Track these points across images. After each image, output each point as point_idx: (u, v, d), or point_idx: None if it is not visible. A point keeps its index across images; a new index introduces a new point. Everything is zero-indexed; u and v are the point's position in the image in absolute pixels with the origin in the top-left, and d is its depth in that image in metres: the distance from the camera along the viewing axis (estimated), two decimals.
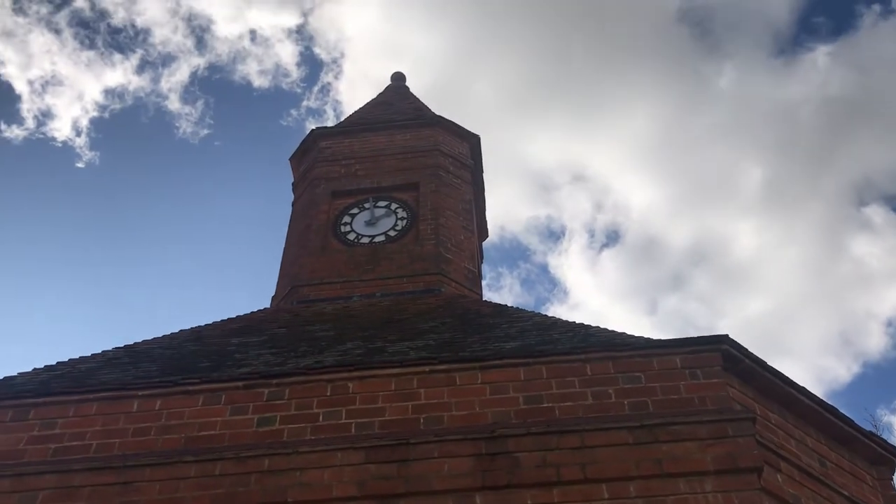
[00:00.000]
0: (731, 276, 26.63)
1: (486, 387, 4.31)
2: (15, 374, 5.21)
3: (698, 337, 4.44)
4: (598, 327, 5.34)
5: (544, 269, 28.24)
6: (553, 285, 28.23)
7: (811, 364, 25.80)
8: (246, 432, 4.25)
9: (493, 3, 27.45)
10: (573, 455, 3.96)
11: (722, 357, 4.36)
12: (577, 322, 5.60)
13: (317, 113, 27.04)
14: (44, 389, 4.62)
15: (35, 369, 5.34)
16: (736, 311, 26.59)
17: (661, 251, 27.87)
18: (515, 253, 27.70)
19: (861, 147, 26.04)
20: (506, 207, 28.28)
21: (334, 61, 29.48)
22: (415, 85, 15.74)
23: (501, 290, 26.35)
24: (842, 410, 4.83)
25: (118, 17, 23.79)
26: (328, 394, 4.37)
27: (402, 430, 4.17)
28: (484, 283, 8.80)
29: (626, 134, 27.55)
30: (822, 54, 26.94)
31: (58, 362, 5.50)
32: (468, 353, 4.77)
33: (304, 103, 27.29)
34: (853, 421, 4.85)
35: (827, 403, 4.78)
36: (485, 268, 9.87)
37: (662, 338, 4.63)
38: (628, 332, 5.15)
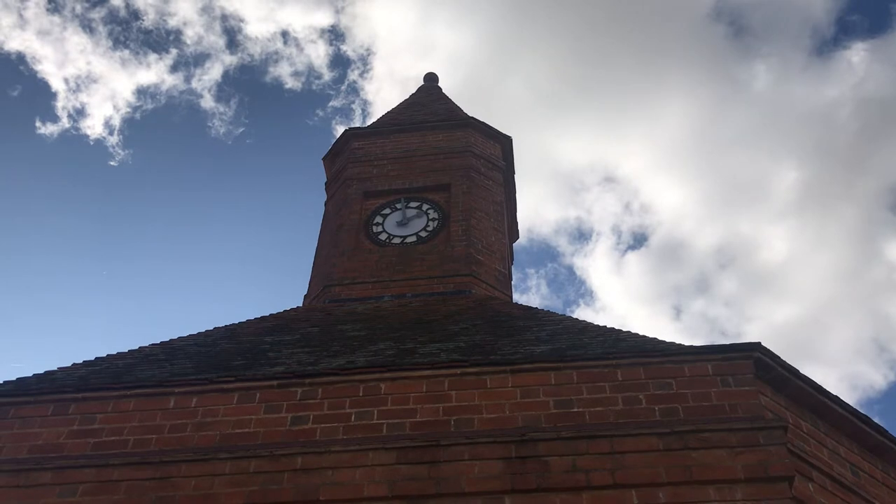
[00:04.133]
0: (761, 281, 26.33)
1: (517, 390, 4.34)
2: (55, 368, 5.34)
3: (730, 344, 4.43)
4: (628, 332, 5.34)
5: (571, 270, 28.14)
6: (580, 287, 28.11)
7: (844, 371, 25.42)
8: (279, 430, 4.32)
9: (524, 2, 27.41)
10: (603, 460, 3.97)
11: (754, 364, 4.34)
12: (607, 326, 5.62)
13: (345, 112, 27.19)
14: (84, 385, 4.73)
15: (75, 364, 5.47)
16: (765, 316, 26.28)
17: (690, 254, 27.63)
18: (543, 254, 27.63)
19: None
20: (535, 208, 28.22)
21: (362, 59, 29.59)
22: (445, 83, 15.79)
23: (528, 291, 26.30)
24: (877, 419, 4.80)
25: (150, 17, 24.08)
26: (360, 394, 4.43)
27: (432, 431, 4.21)
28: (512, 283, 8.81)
29: (658, 134, 27.37)
30: (857, 54, 26.51)
31: (96, 358, 5.63)
32: (499, 356, 4.80)
33: (332, 103, 27.44)
34: (887, 430, 4.81)
35: (860, 412, 4.75)
36: (513, 269, 9.88)
37: (689, 342, 4.63)
38: (658, 338, 5.15)
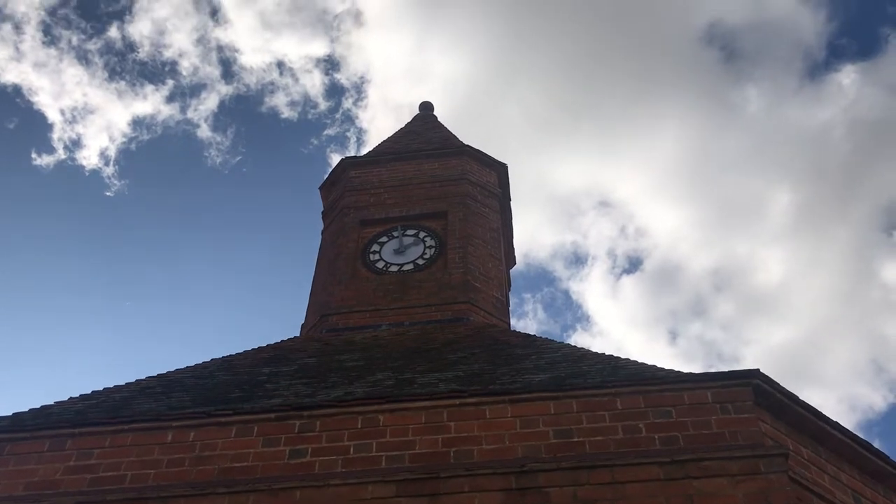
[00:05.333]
0: (757, 303, 26.31)
1: (517, 420, 4.32)
2: (51, 402, 5.31)
3: (729, 371, 4.42)
4: (627, 359, 5.33)
5: (567, 295, 28.08)
6: (577, 312, 28.06)
7: (843, 393, 25.31)
8: (278, 464, 4.29)
9: (518, 28, 27.64)
10: (604, 490, 3.95)
11: (753, 391, 4.33)
12: (606, 354, 5.60)
13: (339, 140, 27.25)
14: (81, 420, 4.70)
15: (71, 398, 5.44)
16: (762, 338, 26.23)
17: (685, 277, 27.62)
18: (540, 279, 27.60)
19: (891, 170, 25.74)
20: (531, 233, 28.21)
21: (357, 87, 29.70)
22: (440, 110, 15.81)
23: (525, 316, 26.24)
24: (877, 441, 4.82)
25: (146, 49, 24.19)
26: (359, 426, 4.41)
27: (432, 463, 4.19)
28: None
29: (653, 158, 27.47)
30: (848, 77, 26.73)
31: (93, 391, 5.60)
32: (498, 385, 4.78)
33: (327, 132, 27.52)
34: (888, 456, 4.79)
35: (861, 438, 4.73)
36: (509, 294, 9.87)
37: (685, 366, 4.63)
38: (656, 364, 5.14)
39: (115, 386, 5.69)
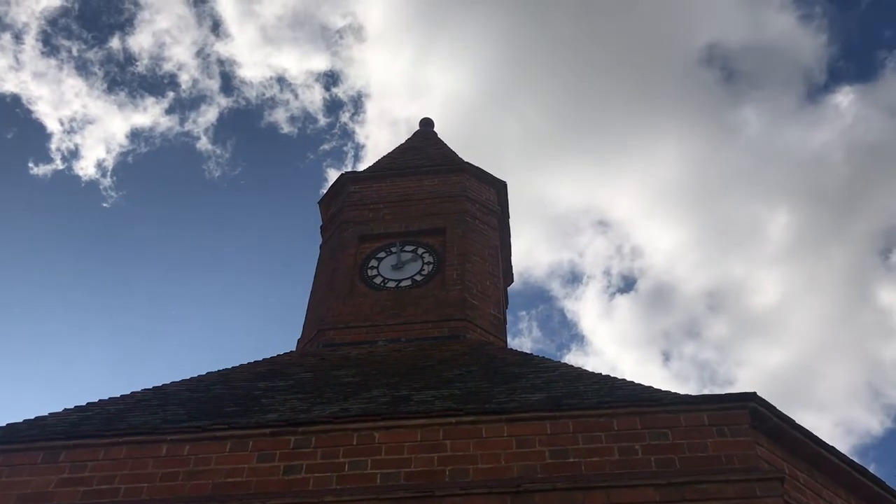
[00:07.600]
0: (752, 325, 26.31)
1: (513, 440, 4.31)
2: (46, 414, 5.29)
3: (726, 394, 4.42)
4: (623, 380, 5.33)
5: (563, 314, 28.06)
6: (572, 330, 28.03)
7: (838, 416, 25.29)
8: (272, 480, 4.28)
9: (518, 45, 27.79)
10: None
11: (749, 415, 4.33)
12: (602, 374, 5.60)
13: (337, 154, 27.30)
14: (75, 432, 4.68)
15: (66, 410, 5.42)
16: (756, 360, 26.23)
17: (680, 297, 27.63)
18: (536, 297, 27.60)
19: (888, 193, 25.83)
20: (528, 251, 28.24)
21: (354, 102, 29.77)
22: (439, 125, 15.83)
23: (520, 334, 26.19)
24: (873, 465, 4.82)
25: (145, 61, 24.25)
26: (354, 443, 4.40)
27: (427, 481, 4.17)
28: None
29: (651, 178, 27.56)
30: (847, 100, 26.87)
31: (87, 403, 5.58)
32: (494, 404, 4.77)
33: (324, 146, 27.56)
34: (884, 482, 4.79)
35: (857, 464, 4.73)
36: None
37: (679, 387, 4.63)
38: (653, 386, 5.13)
39: (109, 398, 5.68)
